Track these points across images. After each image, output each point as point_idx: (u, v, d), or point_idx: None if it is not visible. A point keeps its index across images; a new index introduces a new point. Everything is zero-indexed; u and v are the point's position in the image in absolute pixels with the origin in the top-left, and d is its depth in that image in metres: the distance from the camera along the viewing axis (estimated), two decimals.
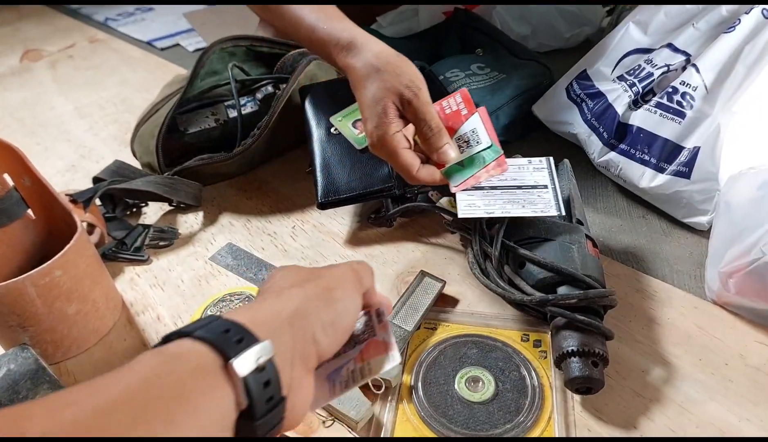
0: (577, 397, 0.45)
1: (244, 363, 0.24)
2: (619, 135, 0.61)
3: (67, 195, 0.67)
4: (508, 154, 0.58)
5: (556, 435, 0.43)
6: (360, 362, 0.35)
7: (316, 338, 0.29)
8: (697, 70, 0.56)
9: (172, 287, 0.60)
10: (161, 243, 0.67)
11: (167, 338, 0.26)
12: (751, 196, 0.47)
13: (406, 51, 0.85)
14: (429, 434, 0.44)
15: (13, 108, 1.01)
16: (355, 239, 0.63)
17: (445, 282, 0.55)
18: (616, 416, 0.44)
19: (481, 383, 0.47)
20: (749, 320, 0.49)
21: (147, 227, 0.68)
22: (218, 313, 0.51)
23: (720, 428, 0.42)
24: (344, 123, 0.67)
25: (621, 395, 0.45)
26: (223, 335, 0.25)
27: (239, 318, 0.26)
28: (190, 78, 0.76)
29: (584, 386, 0.44)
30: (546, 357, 0.48)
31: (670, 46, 0.59)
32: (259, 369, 0.24)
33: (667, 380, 0.46)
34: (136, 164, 0.77)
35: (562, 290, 0.47)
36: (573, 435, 0.43)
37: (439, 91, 0.69)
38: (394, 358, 0.35)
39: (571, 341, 0.44)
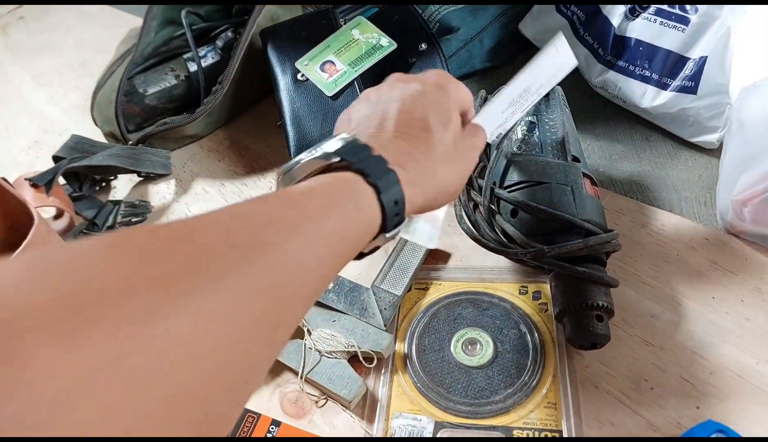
0: (582, 351, 0.42)
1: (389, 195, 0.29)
2: (616, 50, 0.54)
3: (26, 179, 0.63)
4: (497, 84, 0.53)
5: (561, 392, 0.40)
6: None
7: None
8: None
9: None
10: (134, 219, 0.63)
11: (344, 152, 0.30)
12: (766, 112, 0.41)
13: None
14: (426, 405, 0.42)
15: None
16: None
17: None
18: (625, 368, 0.41)
19: (478, 345, 0.44)
20: (766, 249, 0.45)
21: (118, 202, 0.64)
22: None
23: (737, 372, 0.39)
24: (311, 67, 0.61)
25: (629, 345, 0.42)
26: (379, 173, 0.29)
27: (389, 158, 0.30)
28: (140, 33, 0.70)
29: (589, 342, 0.40)
30: (547, 310, 0.45)
31: None
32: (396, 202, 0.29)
33: (679, 325, 0.42)
34: (99, 135, 0.72)
35: (559, 238, 0.43)
36: (579, 391, 0.40)
37: (419, 28, 0.62)
38: (432, 238, 0.37)
39: (572, 296, 0.41)
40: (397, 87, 0.35)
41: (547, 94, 0.51)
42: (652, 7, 0.52)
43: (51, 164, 0.67)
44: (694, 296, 0.44)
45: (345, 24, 0.63)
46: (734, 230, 0.46)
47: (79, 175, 0.67)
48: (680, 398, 0.38)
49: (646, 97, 0.53)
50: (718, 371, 0.39)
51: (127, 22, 1.01)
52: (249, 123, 0.71)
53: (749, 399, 0.38)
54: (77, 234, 0.61)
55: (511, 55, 0.69)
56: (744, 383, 0.38)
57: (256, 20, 0.66)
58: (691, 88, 0.50)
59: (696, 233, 0.48)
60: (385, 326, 0.45)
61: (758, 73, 0.44)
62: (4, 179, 0.54)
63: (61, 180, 0.65)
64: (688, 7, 0.49)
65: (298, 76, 0.61)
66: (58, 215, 0.64)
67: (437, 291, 0.48)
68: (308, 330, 0.46)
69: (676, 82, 0.51)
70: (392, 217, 0.29)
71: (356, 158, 0.29)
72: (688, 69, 0.50)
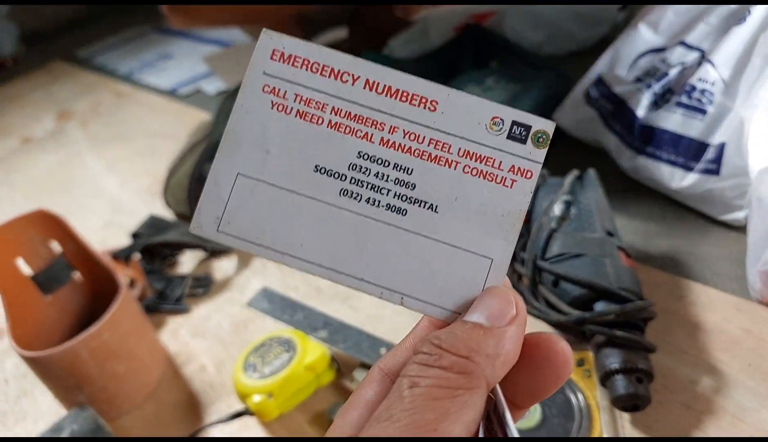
0: (625, 415, 0.44)
1: None
2: (643, 138, 0.60)
3: (108, 253, 0.70)
4: None
5: None
6: None
7: None
8: (713, 66, 0.55)
9: (213, 335, 0.61)
10: (199, 291, 0.68)
11: None
12: None
13: (420, 71, 0.85)
14: None
15: (52, 169, 1.06)
16: None
17: None
18: (667, 431, 0.43)
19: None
20: None
21: (185, 276, 0.70)
22: (260, 358, 0.52)
23: None
24: None
25: (670, 409, 0.44)
26: None
27: None
28: (212, 125, 0.79)
29: (631, 404, 0.43)
30: (590, 376, 0.48)
31: (682, 43, 0.58)
32: None
33: (718, 390, 0.45)
34: (169, 214, 0.80)
35: (598, 306, 0.47)
36: None
37: None
38: None
39: (612, 359, 0.44)
40: None
41: (581, 177, 0.57)
42: (673, 99, 0.58)
43: (121, 241, 0.75)
44: (731, 362, 0.46)
45: None
46: (765, 300, 0.49)
47: (152, 251, 0.74)
48: None
49: (674, 179, 0.58)
50: (758, 435, 0.41)
51: (194, 114, 1.13)
52: None
53: None
54: (148, 304, 0.67)
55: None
56: None
57: None
58: (714, 170, 0.55)
59: (729, 304, 0.50)
60: None
61: None
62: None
63: (137, 255, 0.72)
64: (703, 99, 0.55)
65: None
66: (131, 285, 0.71)
67: None
68: None
69: (700, 165, 0.56)
70: None
71: None
72: (709, 153, 0.55)
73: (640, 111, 0.60)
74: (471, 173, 0.21)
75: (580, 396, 0.46)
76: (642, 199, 0.64)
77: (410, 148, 0.22)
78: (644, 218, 0.62)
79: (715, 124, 0.55)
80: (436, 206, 0.21)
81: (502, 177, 0.21)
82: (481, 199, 0.21)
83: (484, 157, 0.21)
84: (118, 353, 0.53)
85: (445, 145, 0.21)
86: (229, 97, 0.81)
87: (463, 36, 0.93)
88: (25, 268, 0.59)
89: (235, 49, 1.36)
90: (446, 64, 0.91)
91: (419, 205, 0.21)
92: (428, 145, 0.21)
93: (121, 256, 0.68)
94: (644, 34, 0.63)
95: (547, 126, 0.21)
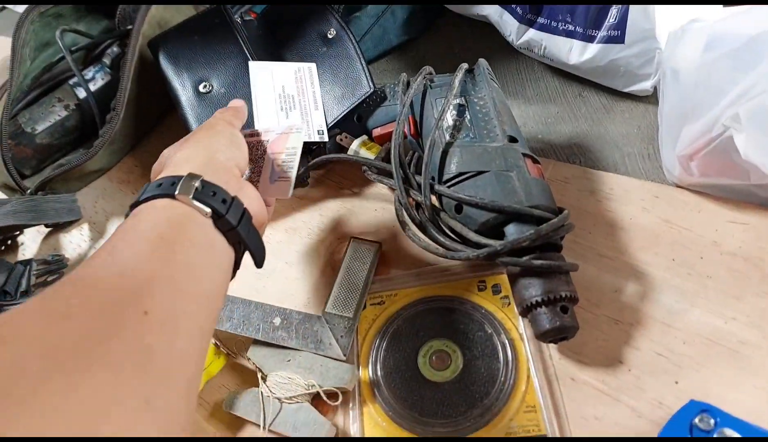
0: (552, 344, 0.40)
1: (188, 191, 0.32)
2: (536, 7, 0.51)
3: None
4: (419, 59, 0.48)
5: (539, 392, 0.38)
6: (279, 152, 0.43)
7: (221, 159, 0.37)
8: None
9: None
10: (50, 278, 0.56)
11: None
12: (699, 60, 0.39)
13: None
14: (403, 434, 0.39)
15: None
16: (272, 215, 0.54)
17: (380, 244, 0.47)
18: (597, 354, 0.39)
19: (446, 356, 0.41)
20: (717, 197, 0.44)
21: (28, 262, 0.57)
22: None
23: (708, 337, 0.38)
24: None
25: (598, 327, 0.40)
26: (170, 187, 0.33)
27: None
28: (11, 64, 0.61)
29: (558, 337, 0.38)
30: (509, 304, 0.43)
31: None
32: (199, 188, 0.33)
33: (644, 295, 0.41)
34: None
35: (509, 229, 0.40)
36: (556, 389, 0.38)
37: (322, 12, 0.57)
38: (299, 130, 0.43)
39: (532, 291, 0.38)
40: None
41: (472, 70, 0.48)
42: None
43: None
44: (654, 261, 0.42)
45: (239, 20, 0.57)
46: (683, 184, 0.44)
47: None
48: (658, 376, 0.37)
49: (573, 52, 0.50)
50: (689, 339, 0.38)
51: (3, 42, 0.90)
52: (159, 143, 0.65)
53: (724, 363, 0.37)
54: None
55: (427, 23, 0.64)
56: (716, 347, 0.37)
57: (140, 30, 0.59)
58: (617, 37, 0.47)
59: (645, 192, 0.46)
60: (344, 355, 0.42)
61: (682, 16, 0.42)
62: None
63: None
64: None
65: (201, 88, 0.55)
66: None
67: (393, 303, 0.45)
68: (263, 376, 0.42)
69: (602, 33, 0.48)
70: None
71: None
72: (611, 17, 0.47)
73: None
74: None
75: (500, 330, 0.42)
76: (538, 79, 0.56)
77: None
78: (543, 101, 0.55)
79: None
80: None
81: None
82: None
83: None
84: None
85: None
86: (19, 27, 0.62)
87: None
88: None
89: None
90: None
91: None
92: None
93: None
94: None
95: None
